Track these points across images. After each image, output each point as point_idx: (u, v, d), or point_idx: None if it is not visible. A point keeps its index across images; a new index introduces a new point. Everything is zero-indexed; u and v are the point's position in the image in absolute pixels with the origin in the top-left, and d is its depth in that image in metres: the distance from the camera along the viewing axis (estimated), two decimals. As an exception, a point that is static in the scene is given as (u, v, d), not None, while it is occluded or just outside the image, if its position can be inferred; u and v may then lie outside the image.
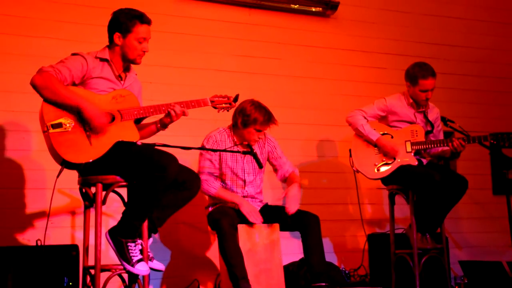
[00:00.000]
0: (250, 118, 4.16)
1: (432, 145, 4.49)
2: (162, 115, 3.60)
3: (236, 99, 3.73)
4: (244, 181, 4.29)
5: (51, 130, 3.25)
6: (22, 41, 4.58)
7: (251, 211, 4.16)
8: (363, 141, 4.56)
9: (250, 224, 4.15)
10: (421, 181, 4.29)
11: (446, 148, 4.55)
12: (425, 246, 4.37)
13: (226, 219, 3.97)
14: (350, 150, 4.60)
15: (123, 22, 3.45)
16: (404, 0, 6.05)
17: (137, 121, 3.59)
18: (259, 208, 4.30)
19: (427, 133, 4.60)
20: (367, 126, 4.53)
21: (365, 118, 4.56)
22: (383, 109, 4.61)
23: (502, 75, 6.30)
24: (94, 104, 3.33)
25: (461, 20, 6.25)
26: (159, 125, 3.62)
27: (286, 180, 4.43)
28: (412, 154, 4.50)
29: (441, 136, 4.71)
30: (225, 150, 4.15)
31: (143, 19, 3.47)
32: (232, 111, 4.00)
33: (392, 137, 4.55)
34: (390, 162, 4.51)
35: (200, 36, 5.20)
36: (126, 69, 3.59)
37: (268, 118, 4.20)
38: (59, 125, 3.27)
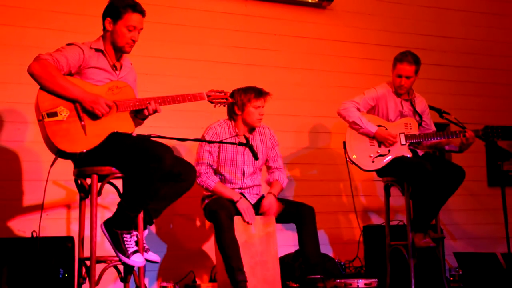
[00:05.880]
0: (244, 99, 4.21)
1: (427, 138, 4.49)
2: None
3: (232, 94, 3.73)
4: (243, 173, 4.29)
5: (46, 119, 3.24)
6: (16, 31, 4.55)
7: (247, 209, 4.16)
8: (357, 133, 4.56)
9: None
10: (413, 172, 4.30)
11: (442, 140, 4.57)
12: (426, 245, 4.34)
13: (223, 211, 3.98)
14: (344, 142, 4.59)
15: (116, 7, 3.45)
16: (401, -9, 6.05)
17: (137, 112, 3.57)
18: (255, 200, 4.31)
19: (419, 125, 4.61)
20: (363, 118, 4.52)
21: (358, 110, 4.55)
22: (374, 98, 4.60)
23: (499, 67, 6.30)
24: (92, 94, 3.32)
25: (458, 11, 6.24)
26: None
27: (270, 184, 4.41)
28: (407, 146, 4.50)
29: (432, 125, 4.72)
30: (221, 142, 4.15)
31: (136, 8, 3.47)
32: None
33: (386, 129, 4.55)
34: (384, 154, 4.51)
35: (196, 27, 5.17)
36: (119, 59, 3.57)
37: (259, 90, 4.26)
38: (55, 114, 3.25)
